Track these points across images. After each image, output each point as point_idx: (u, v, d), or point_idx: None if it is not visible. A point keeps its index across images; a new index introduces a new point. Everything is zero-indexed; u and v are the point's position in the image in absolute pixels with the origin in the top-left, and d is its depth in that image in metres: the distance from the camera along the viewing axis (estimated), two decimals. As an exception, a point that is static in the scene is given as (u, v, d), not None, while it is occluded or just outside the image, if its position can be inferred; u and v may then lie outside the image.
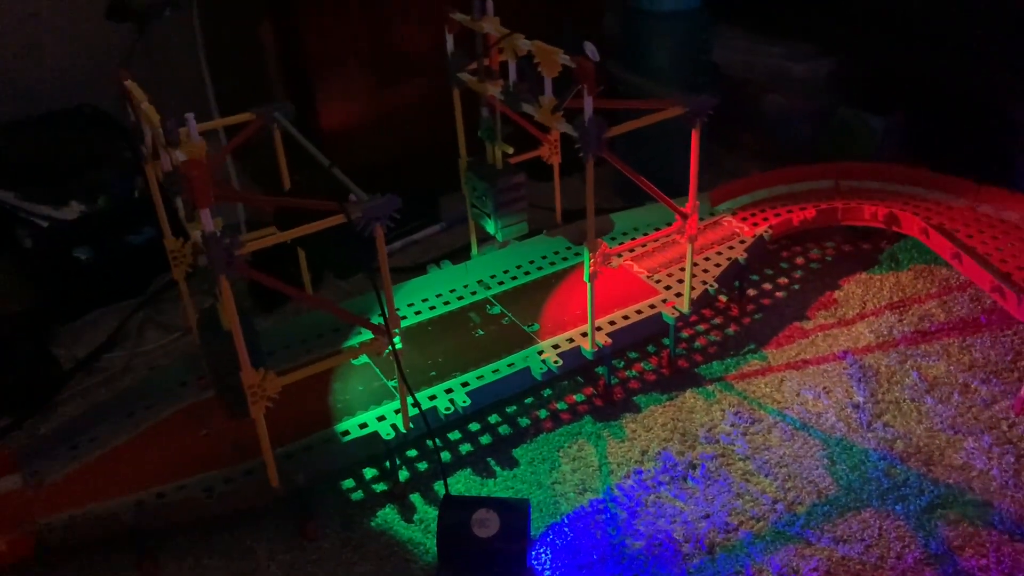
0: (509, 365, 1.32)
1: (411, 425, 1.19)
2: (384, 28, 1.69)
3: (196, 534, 1.17)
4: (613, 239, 1.62)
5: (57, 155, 1.83)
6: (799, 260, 1.68)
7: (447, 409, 1.21)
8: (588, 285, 1.25)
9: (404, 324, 1.43)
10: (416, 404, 1.15)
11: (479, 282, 1.52)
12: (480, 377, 1.30)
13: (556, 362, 1.29)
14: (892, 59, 1.92)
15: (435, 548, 1.12)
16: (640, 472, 1.23)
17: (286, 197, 1.11)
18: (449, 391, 1.28)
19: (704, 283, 1.44)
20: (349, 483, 1.24)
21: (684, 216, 1.28)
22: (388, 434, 1.18)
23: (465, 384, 1.29)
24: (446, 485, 1.17)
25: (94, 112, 2.01)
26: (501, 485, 1.23)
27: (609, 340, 1.31)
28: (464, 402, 1.22)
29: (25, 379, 1.41)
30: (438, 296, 1.49)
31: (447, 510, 1.10)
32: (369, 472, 1.26)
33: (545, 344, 1.36)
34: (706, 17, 1.77)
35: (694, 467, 1.24)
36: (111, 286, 1.64)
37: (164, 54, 2.13)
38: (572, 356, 1.32)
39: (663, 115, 1.19)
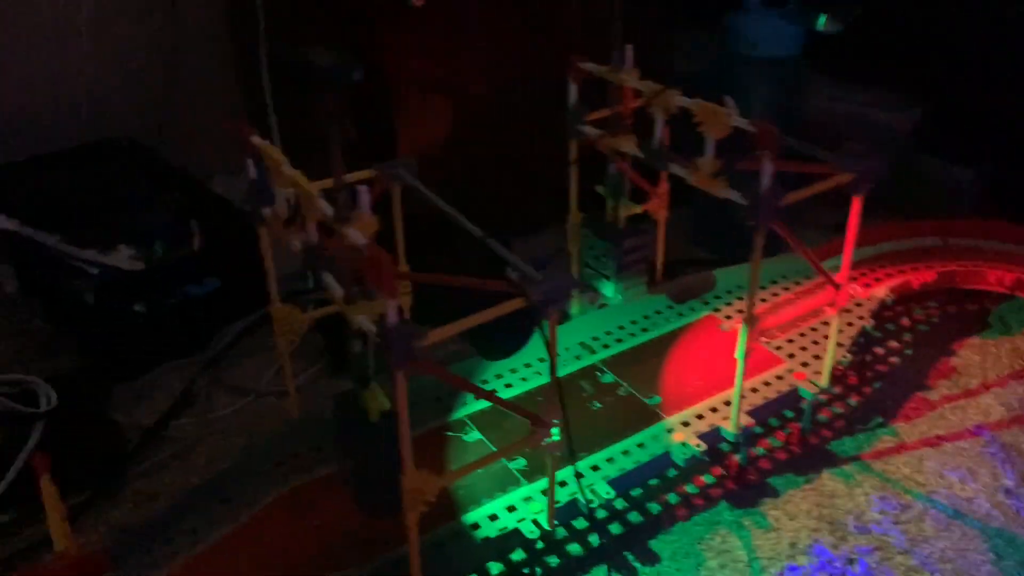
0: (639, 446, 1.21)
1: (556, 522, 1.07)
2: (466, 62, 1.58)
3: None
4: (718, 298, 1.52)
5: (99, 193, 1.69)
6: (904, 321, 1.59)
7: (589, 502, 1.10)
8: (739, 362, 1.14)
9: (508, 393, 1.31)
10: (587, 503, 1.03)
11: (582, 344, 1.41)
12: (610, 460, 1.18)
13: (699, 446, 1.18)
14: (979, 109, 1.86)
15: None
16: (795, 569, 1.13)
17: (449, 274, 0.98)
18: (579, 476, 1.16)
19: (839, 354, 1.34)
20: (478, 578, 1.12)
21: (836, 286, 1.18)
22: (531, 532, 1.06)
23: (595, 468, 1.17)
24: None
25: (132, 145, 1.87)
26: (645, 585, 1.11)
27: (752, 420, 1.20)
28: (608, 493, 1.11)
29: (91, 451, 1.26)
30: (541, 360, 1.38)
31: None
32: (494, 567, 1.13)
33: (673, 421, 1.25)
34: (803, 64, 1.69)
35: (851, 562, 1.13)
36: (169, 342, 1.50)
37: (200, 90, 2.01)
38: (712, 438, 1.21)
39: (832, 182, 1.09)
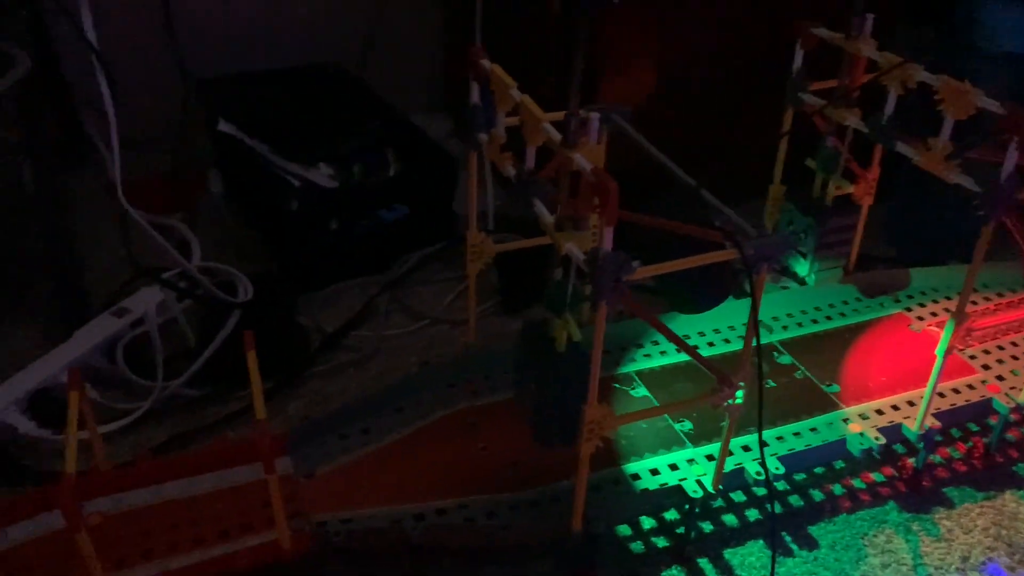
0: (811, 430, 1.17)
1: (720, 486, 1.05)
2: (673, 26, 1.56)
3: (461, 556, 1.07)
4: (910, 297, 1.45)
5: (306, 113, 1.77)
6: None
7: (758, 474, 1.07)
8: (939, 358, 1.08)
9: (681, 358, 1.29)
10: (762, 473, 1.01)
11: (761, 323, 1.38)
12: (780, 439, 1.15)
13: (877, 439, 1.13)
14: None
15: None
16: (964, 583, 1.07)
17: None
18: (746, 448, 1.14)
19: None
20: (625, 529, 1.12)
21: (1060, 299, 1.10)
22: (695, 491, 1.05)
23: (764, 444, 1.14)
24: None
25: (339, 72, 1.95)
26: (800, 568, 1.08)
27: (938, 423, 1.14)
28: (777, 468, 1.08)
29: (278, 347, 1.34)
30: (716, 332, 1.35)
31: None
32: (647, 521, 1.13)
33: (851, 412, 1.20)
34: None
35: (1029, 589, 1.06)
36: (356, 260, 1.56)
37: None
38: (891, 433, 1.16)
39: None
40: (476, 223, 1.15)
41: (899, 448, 1.25)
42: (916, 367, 1.28)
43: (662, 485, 1.07)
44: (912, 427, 1.14)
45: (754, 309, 0.89)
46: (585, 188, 0.80)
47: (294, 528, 0.99)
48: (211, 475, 1.05)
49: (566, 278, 0.96)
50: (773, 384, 1.26)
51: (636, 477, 1.09)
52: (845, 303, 1.43)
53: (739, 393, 0.97)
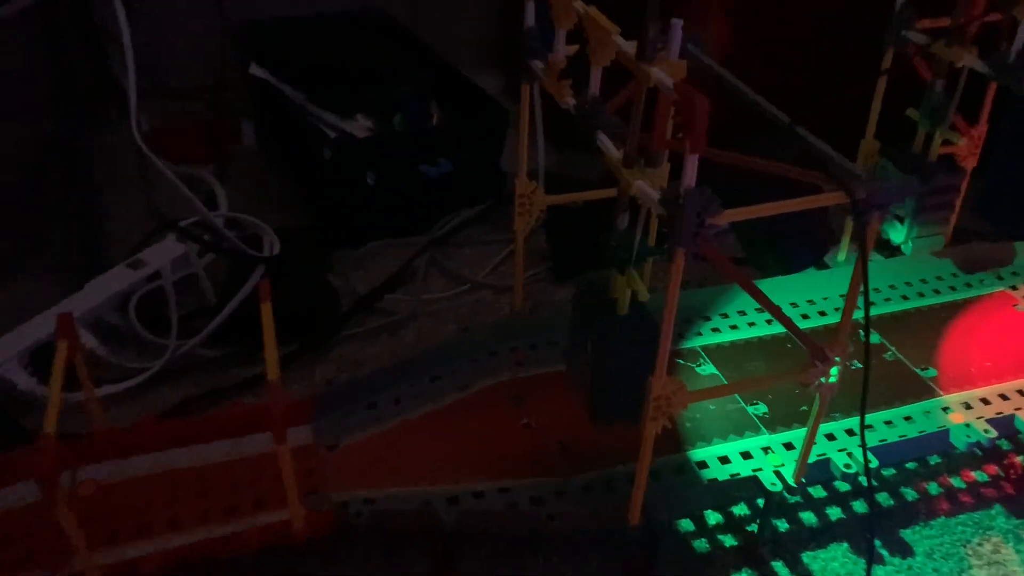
0: (906, 419, 1.02)
1: (803, 479, 0.90)
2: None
3: (502, 547, 0.94)
4: (1015, 275, 1.28)
5: (346, 61, 1.64)
6: None
7: (847, 467, 0.92)
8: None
9: (755, 333, 1.15)
10: (863, 459, 0.87)
11: (843, 296, 1.22)
12: (870, 427, 1.00)
13: (987, 432, 0.97)
14: None
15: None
16: (1088, 603, 0.91)
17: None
18: (830, 437, 0.99)
19: None
20: (687, 524, 0.98)
21: None
22: (772, 483, 0.90)
23: (851, 432, 0.99)
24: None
25: (383, 18, 1.82)
26: (893, 577, 0.93)
27: (1057, 417, 0.98)
28: (870, 462, 0.93)
29: (308, 308, 1.22)
30: (793, 305, 1.20)
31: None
32: (712, 516, 0.99)
33: (952, 400, 1.05)
34: None
35: None
36: (395, 217, 1.43)
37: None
38: (1003, 426, 1.00)
39: None
40: (526, 172, 1.01)
41: (1004, 444, 1.09)
42: (1011, 352, 1.11)
43: (733, 476, 0.93)
44: (1028, 419, 0.98)
45: (863, 264, 0.75)
46: (664, 107, 0.66)
47: (311, 506, 0.87)
48: (221, 443, 0.94)
49: (632, 228, 0.82)
50: (858, 365, 1.10)
51: (703, 465, 0.95)
52: (939, 279, 1.26)
53: (834, 371, 0.82)
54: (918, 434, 0.98)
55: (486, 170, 1.49)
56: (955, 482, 1.04)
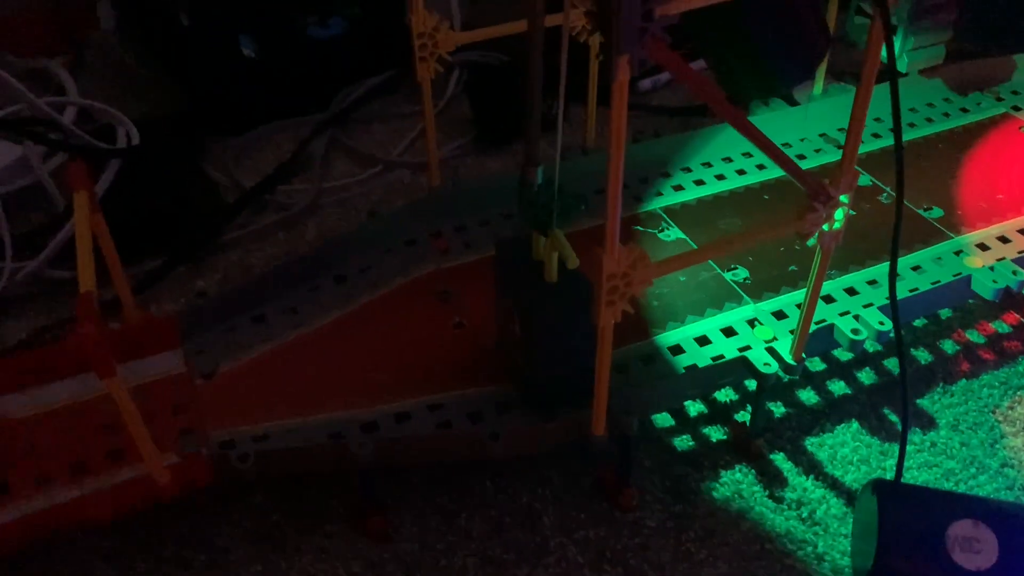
0: (914, 269, 0.84)
1: (803, 355, 0.73)
2: None
3: (438, 474, 0.75)
4: (1015, 93, 1.10)
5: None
6: None
7: (855, 333, 0.75)
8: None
9: (726, 186, 0.96)
10: (893, 316, 0.69)
11: (823, 136, 1.03)
12: (873, 283, 0.83)
13: (1016, 273, 0.80)
14: None
15: (849, 559, 0.68)
16: None
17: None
18: (829, 300, 0.81)
19: None
20: (666, 419, 0.80)
21: None
22: (767, 364, 0.72)
23: (852, 291, 0.82)
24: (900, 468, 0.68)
25: None
26: (916, 459, 0.77)
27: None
28: (881, 324, 0.75)
29: (179, 208, 0.99)
30: (821, 136, 1.01)
31: (892, 510, 0.64)
32: (692, 407, 0.81)
33: (965, 242, 0.87)
34: None
35: None
36: (283, 94, 1.19)
37: None
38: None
39: None
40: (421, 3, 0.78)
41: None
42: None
43: (716, 359, 0.75)
44: (1059, 256, 0.81)
45: (888, 46, 0.55)
46: None
47: (184, 452, 0.66)
48: (64, 383, 0.72)
49: (550, 184, 0.61)
50: (853, 213, 0.92)
51: (677, 351, 0.77)
52: (931, 105, 1.08)
53: (839, 214, 0.63)
54: (931, 286, 0.81)
55: (390, 28, 1.25)
56: (973, 337, 0.88)
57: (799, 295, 0.81)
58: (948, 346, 0.87)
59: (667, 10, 0.48)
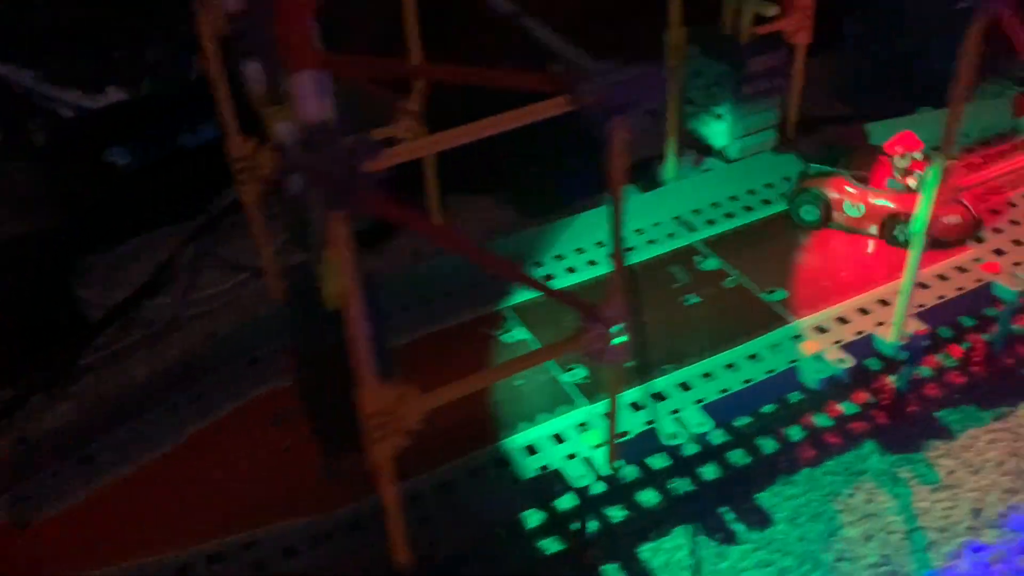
0: (750, 357, 0.85)
1: (616, 465, 0.72)
2: None
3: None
4: (871, 162, 1.11)
5: (95, 24, 1.37)
6: None
7: (672, 437, 0.74)
8: (915, 238, 0.75)
9: (574, 279, 0.96)
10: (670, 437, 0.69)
11: (677, 219, 1.04)
12: (708, 376, 0.82)
13: (841, 362, 0.80)
14: None
15: None
16: (980, 548, 0.76)
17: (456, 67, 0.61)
18: (660, 397, 0.81)
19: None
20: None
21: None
22: (581, 476, 0.72)
23: (686, 387, 0.81)
24: None
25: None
26: (750, 559, 0.76)
27: (925, 327, 0.82)
28: (700, 426, 0.75)
29: (38, 332, 0.98)
30: (637, 232, 1.02)
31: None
32: (533, 516, 0.81)
33: (804, 325, 0.87)
34: None
35: (1071, 545, 0.75)
36: (156, 204, 1.19)
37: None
38: (861, 349, 0.83)
39: None
40: (234, 126, 0.79)
41: (874, 363, 0.93)
42: (889, 256, 0.95)
43: (542, 469, 0.75)
44: (887, 337, 0.81)
45: (614, 195, 0.55)
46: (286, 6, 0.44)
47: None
48: None
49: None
50: (697, 300, 0.92)
51: (503, 463, 0.76)
52: (788, 179, 1.09)
53: (618, 329, 0.63)
54: (764, 376, 0.81)
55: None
56: (820, 421, 0.88)
57: (634, 393, 0.81)
58: (795, 432, 0.87)
59: (377, 165, 0.48)
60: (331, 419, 0.64)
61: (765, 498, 0.81)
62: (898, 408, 0.87)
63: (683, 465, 0.83)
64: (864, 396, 0.90)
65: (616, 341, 0.63)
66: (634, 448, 0.74)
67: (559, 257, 0.98)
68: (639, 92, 0.50)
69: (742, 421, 0.88)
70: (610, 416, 0.68)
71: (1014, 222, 0.97)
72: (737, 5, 0.87)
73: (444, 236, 0.54)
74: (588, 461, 0.72)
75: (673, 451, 0.81)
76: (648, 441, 0.76)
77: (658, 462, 0.84)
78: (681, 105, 0.95)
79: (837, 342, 0.84)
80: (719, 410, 0.77)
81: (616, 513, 0.80)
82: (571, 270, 0.97)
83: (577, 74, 0.50)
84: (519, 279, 0.59)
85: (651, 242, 1.00)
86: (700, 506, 0.80)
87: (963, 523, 0.77)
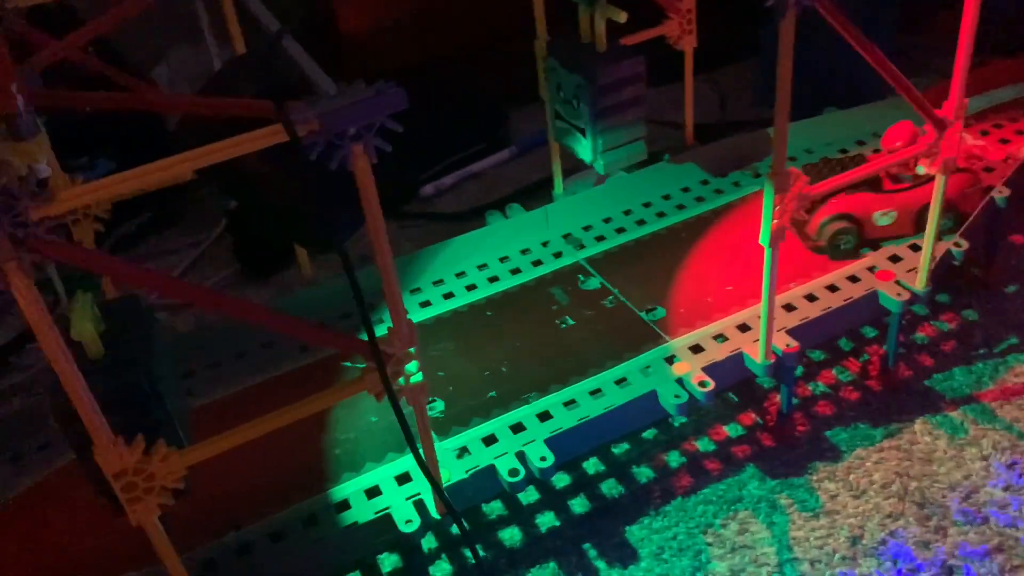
0: (617, 382, 0.80)
1: (438, 515, 0.68)
2: None
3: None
4: (773, 168, 1.06)
5: None
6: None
7: (513, 475, 0.70)
8: (766, 251, 0.70)
9: (450, 306, 0.91)
10: (440, 495, 0.64)
11: (565, 237, 0.99)
12: (571, 403, 0.78)
13: (704, 385, 0.75)
14: None
15: None
16: (854, 581, 0.70)
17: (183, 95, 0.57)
18: (519, 429, 0.76)
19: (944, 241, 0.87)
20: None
21: (941, 126, 0.71)
22: (408, 521, 0.67)
23: (546, 417, 0.77)
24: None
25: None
26: (609, 598, 0.71)
27: (796, 344, 0.77)
28: (543, 461, 0.70)
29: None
30: (503, 260, 0.97)
31: None
32: (387, 561, 0.76)
33: (678, 345, 0.82)
34: None
35: (952, 573, 0.70)
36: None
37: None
38: (728, 371, 0.78)
39: None
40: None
41: (766, 382, 0.88)
42: (783, 267, 0.89)
43: (380, 513, 0.70)
44: (757, 357, 0.76)
45: (370, 227, 0.51)
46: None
47: None
48: None
49: None
50: (572, 323, 0.88)
51: (343, 507, 0.72)
52: (686, 190, 1.04)
53: (411, 367, 0.59)
54: (626, 401, 0.76)
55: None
56: (702, 445, 0.83)
57: (488, 427, 0.76)
58: (674, 458, 0.82)
59: (49, 211, 0.45)
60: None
61: (635, 533, 0.76)
62: (782, 430, 0.82)
63: (553, 494, 0.79)
64: (751, 418, 0.85)
65: (414, 380, 0.59)
66: (470, 487, 0.70)
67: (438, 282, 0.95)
68: (369, 113, 0.46)
69: (621, 448, 0.84)
70: (425, 459, 0.64)
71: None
72: (589, 13, 0.82)
73: (145, 278, 0.51)
74: (420, 505, 0.68)
75: (510, 491, 0.75)
76: (485, 482, 0.71)
77: (531, 495, 0.80)
78: (553, 120, 0.91)
79: (713, 360, 0.79)
80: (570, 443, 0.72)
81: (446, 565, 0.75)
82: (449, 295, 0.93)
83: (293, 101, 0.46)
84: (260, 320, 0.55)
85: (536, 263, 0.96)
86: (563, 541, 0.76)
87: (838, 552, 0.72)
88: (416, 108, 0.48)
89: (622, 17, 0.81)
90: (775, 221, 0.67)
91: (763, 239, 0.69)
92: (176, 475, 0.52)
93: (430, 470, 0.62)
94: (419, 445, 0.62)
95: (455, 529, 0.78)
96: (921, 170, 0.86)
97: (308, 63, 0.52)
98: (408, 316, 0.58)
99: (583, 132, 0.86)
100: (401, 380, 0.59)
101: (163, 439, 0.54)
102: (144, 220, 1.21)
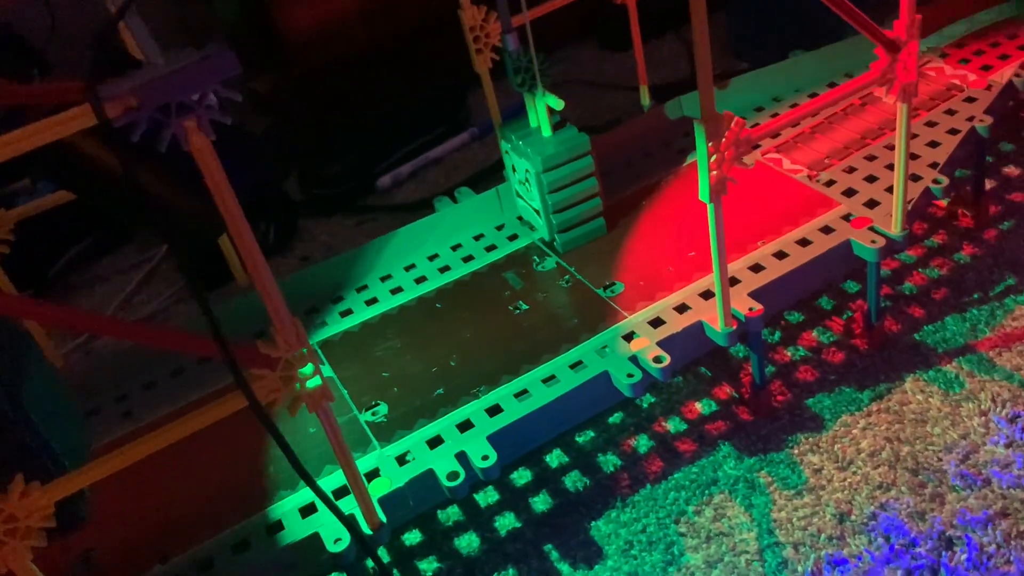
0: (572, 366, 0.73)
1: (381, 521, 0.62)
2: None
3: None
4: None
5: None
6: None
7: (453, 479, 0.63)
8: (709, 208, 0.63)
9: (397, 301, 0.85)
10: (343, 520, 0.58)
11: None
12: (522, 394, 0.71)
13: (660, 361, 0.68)
14: None
15: None
16: (842, 562, 0.63)
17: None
18: (467, 427, 0.70)
19: (923, 179, 0.80)
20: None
21: (893, 48, 0.63)
22: (338, 540, 0.61)
23: (495, 411, 0.70)
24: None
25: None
26: (573, 603, 0.65)
27: (759, 307, 0.70)
28: (485, 460, 0.64)
29: None
30: (454, 248, 0.91)
31: None
32: (338, 580, 0.70)
33: (636, 320, 0.76)
34: None
35: (952, 545, 0.63)
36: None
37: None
38: (689, 343, 0.71)
39: None
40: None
41: (739, 351, 0.81)
42: (744, 219, 0.82)
43: (303, 538, 0.64)
44: (715, 324, 0.69)
45: (228, 212, 0.45)
46: None
47: None
48: None
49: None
50: (526, 307, 0.81)
51: (278, 527, 0.66)
52: (647, 155, 0.97)
53: (305, 370, 0.52)
54: (578, 384, 0.69)
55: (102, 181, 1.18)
56: (673, 425, 0.76)
57: (433, 428, 0.70)
58: (643, 443, 0.75)
59: None
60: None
61: (601, 528, 0.69)
62: (761, 399, 0.75)
63: (513, 492, 0.72)
64: (726, 391, 0.78)
65: (311, 384, 0.53)
66: (418, 495, 0.63)
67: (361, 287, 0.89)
68: (194, 82, 0.40)
69: (583, 436, 0.77)
70: (353, 479, 0.58)
71: (869, 179, 0.84)
72: (531, 100, 0.79)
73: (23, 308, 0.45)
74: (352, 525, 0.62)
75: (452, 497, 0.69)
76: (424, 490, 0.65)
77: (492, 495, 0.73)
78: (515, 199, 0.88)
79: (663, 337, 0.72)
80: (516, 440, 0.66)
81: (429, 564, 0.69)
82: (397, 289, 0.87)
83: (101, 79, 0.40)
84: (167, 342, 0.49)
85: (490, 248, 0.90)
86: (524, 543, 0.69)
87: (824, 533, 0.65)
88: (367, 98, 0.42)
89: (560, 105, 0.76)
90: (712, 172, 0.60)
91: (702, 194, 0.62)
92: (43, 512, 0.47)
93: (325, 494, 0.55)
94: (336, 464, 0.55)
95: (409, 540, 0.72)
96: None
97: (145, 38, 0.46)
98: (293, 315, 0.51)
99: (539, 212, 0.82)
100: (297, 386, 0.52)
101: (40, 470, 0.49)
102: (87, 244, 1.16)
